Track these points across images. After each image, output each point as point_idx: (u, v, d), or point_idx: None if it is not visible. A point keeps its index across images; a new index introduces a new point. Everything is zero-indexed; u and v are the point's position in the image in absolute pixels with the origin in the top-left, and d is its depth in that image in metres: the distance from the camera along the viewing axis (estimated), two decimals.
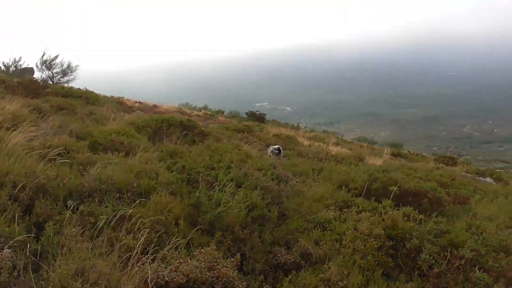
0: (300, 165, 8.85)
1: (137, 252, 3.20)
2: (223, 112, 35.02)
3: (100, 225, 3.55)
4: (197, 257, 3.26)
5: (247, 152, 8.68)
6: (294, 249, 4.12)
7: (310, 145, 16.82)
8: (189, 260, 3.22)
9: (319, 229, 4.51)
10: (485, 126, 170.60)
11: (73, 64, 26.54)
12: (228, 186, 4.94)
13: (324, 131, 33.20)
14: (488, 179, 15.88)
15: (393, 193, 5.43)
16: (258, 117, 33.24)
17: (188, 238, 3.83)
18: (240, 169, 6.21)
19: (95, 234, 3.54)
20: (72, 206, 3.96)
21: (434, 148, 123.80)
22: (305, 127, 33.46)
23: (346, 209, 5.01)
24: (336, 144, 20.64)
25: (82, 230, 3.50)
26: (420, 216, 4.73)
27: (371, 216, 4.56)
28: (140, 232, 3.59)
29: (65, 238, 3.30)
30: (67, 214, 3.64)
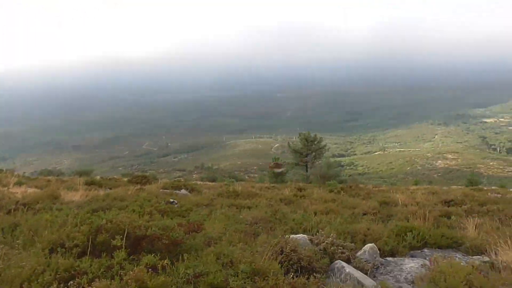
0: None
1: None
2: None
3: None
4: None
5: None
6: None
7: None
8: None
9: None
10: (160, 142, 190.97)
11: None
12: None
13: None
14: (183, 191, 17.05)
15: (123, 242, 4.65)
16: None
17: None
18: None
19: None
20: None
21: (120, 168, 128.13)
22: None
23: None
24: (20, 184, 17.67)
25: None
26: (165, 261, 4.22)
27: (110, 284, 3.70)
28: None
29: None
30: None
